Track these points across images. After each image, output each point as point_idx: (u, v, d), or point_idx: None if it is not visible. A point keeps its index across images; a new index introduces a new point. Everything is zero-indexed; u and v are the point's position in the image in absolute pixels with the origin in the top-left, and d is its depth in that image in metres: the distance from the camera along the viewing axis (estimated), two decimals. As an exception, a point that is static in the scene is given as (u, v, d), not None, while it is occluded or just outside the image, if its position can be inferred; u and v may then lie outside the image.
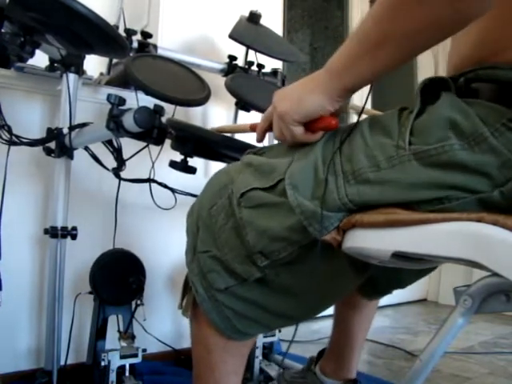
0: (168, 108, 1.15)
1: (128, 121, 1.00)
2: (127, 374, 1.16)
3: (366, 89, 0.68)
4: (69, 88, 1.22)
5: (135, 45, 1.42)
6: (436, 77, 0.63)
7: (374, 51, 0.58)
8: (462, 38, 0.64)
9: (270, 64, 1.77)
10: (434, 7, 0.52)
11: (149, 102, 1.08)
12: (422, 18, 0.53)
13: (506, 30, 0.58)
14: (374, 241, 0.60)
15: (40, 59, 1.26)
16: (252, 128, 0.79)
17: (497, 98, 0.56)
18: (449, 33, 0.56)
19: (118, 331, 1.24)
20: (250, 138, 1.52)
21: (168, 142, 1.15)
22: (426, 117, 0.59)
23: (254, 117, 1.71)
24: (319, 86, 0.64)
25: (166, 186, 1.39)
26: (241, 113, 1.62)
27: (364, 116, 0.71)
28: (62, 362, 1.26)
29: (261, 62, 1.70)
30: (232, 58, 1.63)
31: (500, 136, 0.54)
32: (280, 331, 1.48)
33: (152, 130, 1.03)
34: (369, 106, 2.74)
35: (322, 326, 2.00)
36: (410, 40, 0.56)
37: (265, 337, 1.43)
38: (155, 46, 1.48)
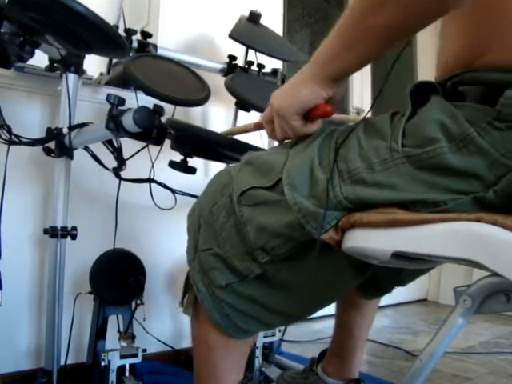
0: (168, 108, 1.15)
1: (127, 121, 1.00)
2: (127, 374, 1.16)
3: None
4: (68, 88, 1.22)
5: (135, 45, 1.41)
6: (424, 81, 0.65)
7: (356, 46, 0.62)
8: (448, 44, 0.66)
9: (270, 64, 1.77)
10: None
11: (149, 102, 1.08)
12: (404, 12, 0.56)
13: (487, 34, 0.60)
14: (373, 241, 0.61)
15: (40, 59, 1.26)
16: (257, 126, 0.80)
17: (482, 99, 0.57)
18: (429, 23, 0.58)
19: (118, 331, 1.24)
20: (249, 139, 1.52)
21: (168, 141, 1.15)
22: (416, 119, 0.61)
23: (254, 117, 1.71)
24: (308, 77, 0.68)
25: (165, 186, 1.39)
26: (241, 113, 1.62)
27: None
28: (62, 362, 1.26)
29: (261, 61, 1.70)
30: (232, 57, 1.63)
31: (486, 135, 0.55)
32: (280, 331, 1.48)
33: (151, 130, 1.03)
34: (368, 107, 2.74)
35: (322, 326, 2.00)
36: (392, 33, 0.59)
37: (265, 337, 1.43)
38: (155, 46, 1.48)
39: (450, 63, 0.65)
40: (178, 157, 1.22)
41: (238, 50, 1.66)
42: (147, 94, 1.14)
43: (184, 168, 1.21)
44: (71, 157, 1.24)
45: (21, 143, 1.23)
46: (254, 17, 1.67)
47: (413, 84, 0.65)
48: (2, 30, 1.01)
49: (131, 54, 1.31)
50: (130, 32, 1.39)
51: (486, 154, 0.55)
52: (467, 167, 0.56)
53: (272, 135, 0.77)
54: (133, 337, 1.22)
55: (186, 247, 0.81)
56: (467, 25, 0.61)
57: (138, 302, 1.24)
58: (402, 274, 0.97)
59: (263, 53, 1.63)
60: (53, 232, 1.21)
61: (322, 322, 2.02)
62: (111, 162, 1.30)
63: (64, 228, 1.22)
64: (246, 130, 0.94)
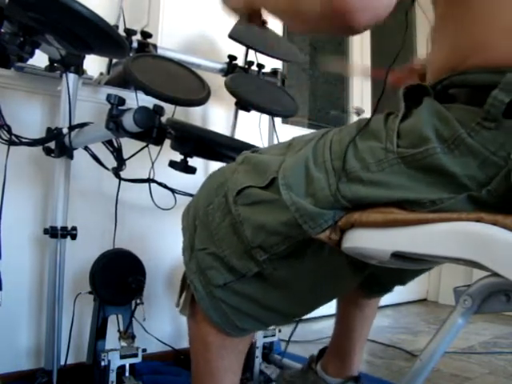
0: (168, 108, 1.15)
1: (128, 121, 1.00)
2: (127, 373, 1.16)
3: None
4: (69, 88, 1.22)
5: (135, 45, 1.41)
6: (417, 83, 0.66)
7: None
8: (436, 47, 0.68)
9: (270, 64, 1.77)
10: None
11: (149, 102, 1.08)
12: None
13: (473, 36, 0.61)
14: (373, 241, 0.61)
15: (40, 59, 1.25)
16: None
17: (471, 101, 0.58)
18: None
19: (118, 331, 1.24)
20: (250, 138, 1.52)
21: (168, 141, 1.15)
22: (410, 121, 0.62)
23: (253, 117, 1.72)
24: None
25: (165, 186, 1.39)
26: (241, 113, 1.62)
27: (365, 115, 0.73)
28: (62, 362, 1.26)
29: (261, 61, 1.70)
30: (232, 57, 1.63)
31: (476, 135, 0.56)
32: (280, 331, 1.48)
33: (152, 130, 1.03)
34: (368, 107, 2.74)
35: (322, 326, 2.00)
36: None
37: (265, 337, 1.43)
38: (155, 46, 1.48)
39: (439, 66, 0.66)
40: (178, 157, 1.22)
41: (238, 50, 1.66)
42: (147, 93, 1.14)
43: (184, 168, 1.21)
44: (71, 157, 1.24)
45: (21, 143, 1.23)
46: (254, 17, 1.67)
47: (405, 86, 0.66)
48: (2, 30, 1.01)
49: (131, 54, 1.31)
50: (130, 32, 1.39)
51: (477, 154, 0.56)
52: (460, 167, 0.57)
53: None
54: (133, 337, 1.22)
55: (182, 248, 0.81)
56: (454, 28, 0.63)
57: (138, 301, 1.24)
58: (403, 272, 0.98)
59: (263, 53, 1.63)
60: (53, 232, 1.21)
61: (322, 322, 2.02)
62: (111, 162, 1.30)
63: (64, 228, 1.22)
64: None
